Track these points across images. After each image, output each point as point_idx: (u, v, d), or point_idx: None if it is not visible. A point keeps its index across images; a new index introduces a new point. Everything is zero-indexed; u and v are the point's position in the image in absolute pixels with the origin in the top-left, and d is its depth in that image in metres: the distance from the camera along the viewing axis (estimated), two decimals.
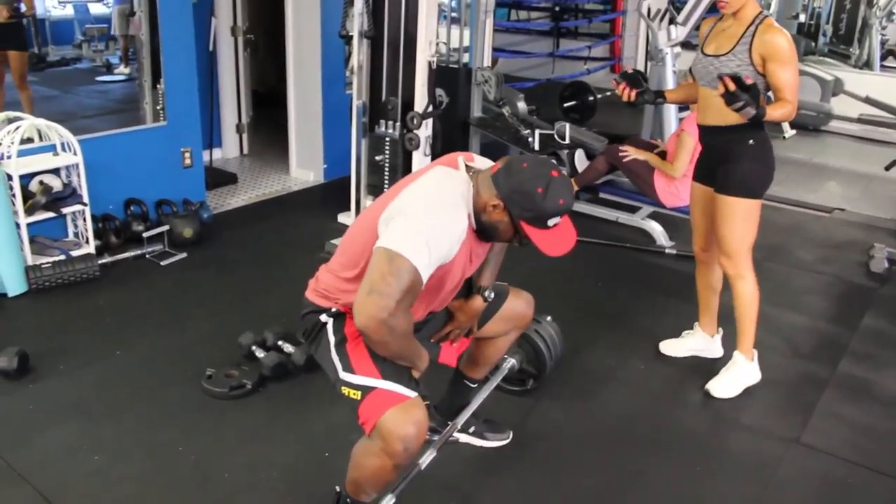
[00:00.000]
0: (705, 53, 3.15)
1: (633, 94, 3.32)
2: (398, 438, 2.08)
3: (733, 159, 3.12)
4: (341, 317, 2.30)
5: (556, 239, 2.19)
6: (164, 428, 3.00)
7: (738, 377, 3.37)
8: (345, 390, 2.20)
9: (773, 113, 2.91)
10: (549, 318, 3.23)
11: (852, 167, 7.30)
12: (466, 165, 2.27)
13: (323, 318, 2.31)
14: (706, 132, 3.23)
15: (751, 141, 3.10)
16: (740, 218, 3.16)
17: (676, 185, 4.85)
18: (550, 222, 2.15)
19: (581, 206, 5.41)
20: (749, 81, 2.84)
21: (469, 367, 2.86)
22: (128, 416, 3.07)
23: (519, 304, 2.74)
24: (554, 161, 5.41)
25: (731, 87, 2.78)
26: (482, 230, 2.24)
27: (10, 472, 2.71)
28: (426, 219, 2.08)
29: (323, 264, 2.41)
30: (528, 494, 2.74)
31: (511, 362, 3.10)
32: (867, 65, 9.13)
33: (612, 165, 5.20)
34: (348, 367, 2.21)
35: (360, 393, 2.16)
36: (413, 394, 2.16)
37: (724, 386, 3.35)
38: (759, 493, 2.79)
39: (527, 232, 2.16)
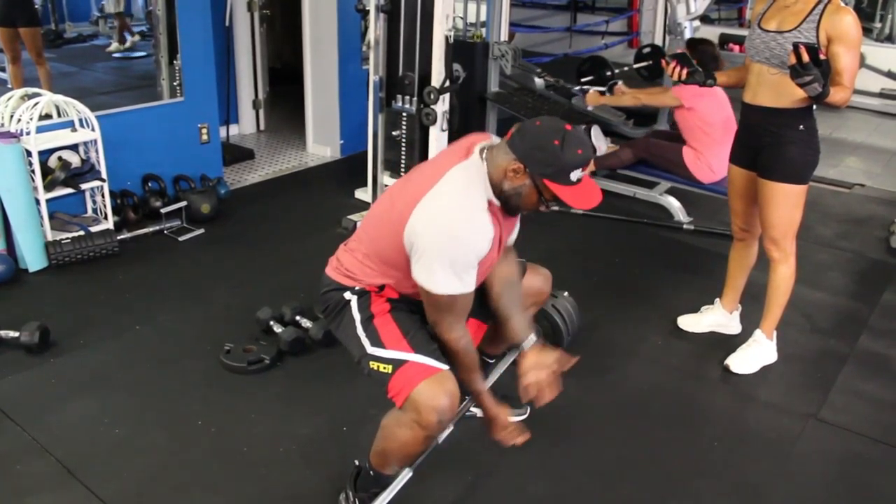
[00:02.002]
0: (765, 29, 3.00)
1: (685, 72, 3.27)
2: (433, 410, 2.09)
3: (781, 144, 3.04)
4: (366, 294, 2.30)
5: (583, 194, 2.13)
6: (184, 402, 3.03)
7: (757, 354, 3.36)
8: (373, 365, 2.20)
9: (833, 96, 2.78)
10: (565, 293, 3.22)
11: (873, 142, 7.22)
12: (481, 148, 2.22)
13: (346, 295, 2.31)
14: (754, 112, 3.11)
15: (801, 126, 3.02)
16: (788, 204, 3.10)
17: (707, 159, 4.79)
18: (573, 176, 2.09)
19: (598, 182, 5.36)
20: (823, 56, 2.74)
21: (486, 343, 2.86)
22: (148, 390, 3.10)
23: (536, 281, 2.73)
24: None
25: (806, 58, 2.65)
26: (506, 202, 2.20)
27: (33, 444, 2.75)
28: (450, 249, 2.07)
29: (343, 244, 2.41)
30: (544, 469, 2.75)
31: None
32: (889, 39, 9.00)
33: (640, 159, 5.15)
34: (377, 342, 2.21)
35: (390, 367, 2.16)
36: (444, 366, 2.17)
37: (744, 362, 3.34)
38: (777, 468, 2.79)
39: (552, 189, 2.10)
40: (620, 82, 5.50)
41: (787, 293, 3.28)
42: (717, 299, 3.63)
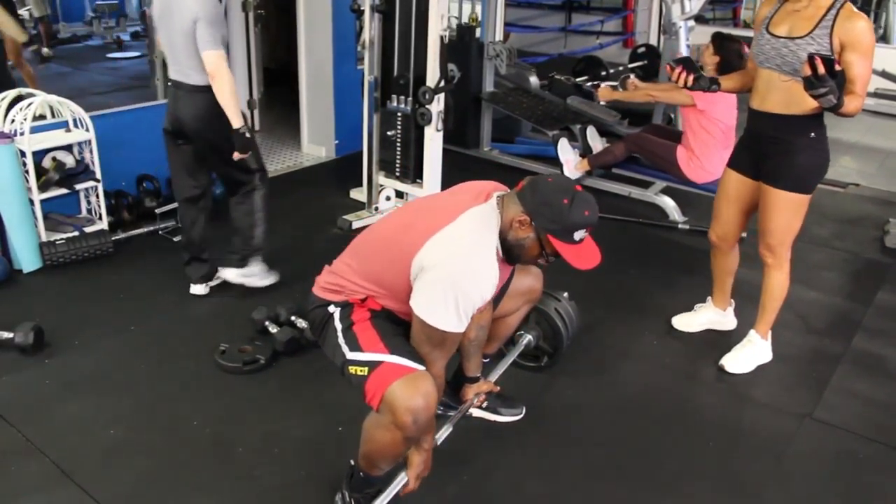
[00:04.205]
0: (774, 35, 2.91)
1: (690, 78, 3.14)
2: (407, 410, 2.09)
3: (790, 151, 2.97)
4: (348, 306, 2.32)
5: (583, 254, 2.21)
6: (179, 402, 3.03)
7: (752, 354, 3.36)
8: (352, 369, 2.22)
9: (846, 105, 2.69)
10: (565, 294, 3.21)
11: (867, 142, 7.24)
12: (498, 196, 2.26)
13: (330, 309, 2.34)
14: (762, 119, 3.02)
15: (812, 133, 2.94)
16: (790, 213, 3.05)
17: (699, 159, 4.77)
18: (576, 235, 2.16)
19: (593, 182, 5.38)
20: (839, 67, 2.66)
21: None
22: (143, 391, 3.09)
23: (527, 279, 2.76)
24: (566, 136, 5.41)
25: (822, 70, 2.56)
26: (508, 251, 2.25)
27: (28, 445, 2.74)
28: (462, 288, 2.10)
29: (327, 266, 2.44)
30: (541, 468, 2.75)
31: (528, 338, 3.10)
32: (884, 38, 9.01)
33: (631, 154, 5.14)
34: (356, 347, 2.23)
35: (366, 369, 2.18)
36: (420, 367, 2.17)
37: (739, 362, 3.34)
38: (772, 467, 2.79)
39: (554, 245, 2.16)
40: (633, 76, 5.35)
41: (781, 297, 3.28)
42: (709, 297, 3.64)
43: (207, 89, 3.46)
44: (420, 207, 2.34)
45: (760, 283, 3.32)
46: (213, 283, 3.89)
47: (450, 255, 2.13)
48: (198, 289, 3.85)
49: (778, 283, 3.23)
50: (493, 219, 2.22)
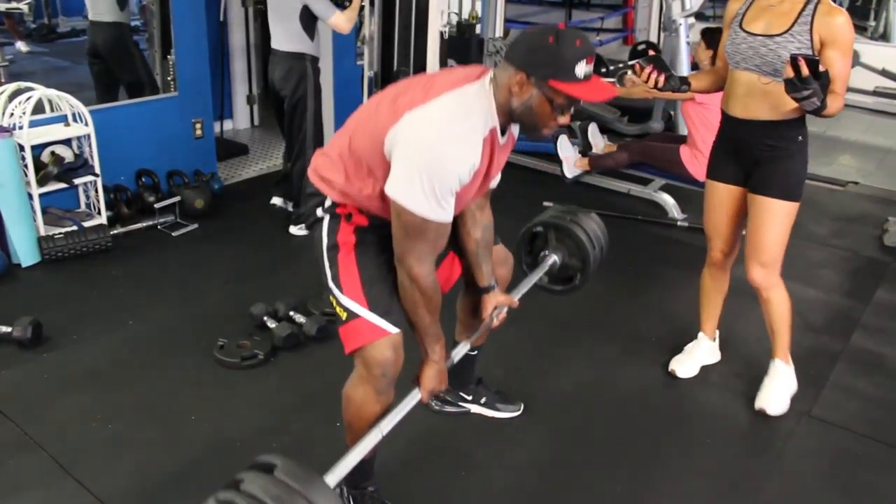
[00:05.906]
0: (750, 32, 2.73)
1: (661, 78, 2.94)
2: (376, 364, 2.14)
3: (780, 158, 2.80)
4: (336, 218, 2.23)
5: (595, 88, 2.03)
6: (177, 397, 3.03)
7: (784, 387, 3.11)
8: (332, 300, 2.22)
9: (829, 106, 2.55)
10: (593, 213, 3.01)
11: (867, 140, 7.24)
12: (492, 76, 2.10)
13: (319, 212, 2.26)
14: (747, 127, 2.83)
15: (800, 137, 2.79)
16: (785, 223, 2.89)
17: (703, 155, 4.75)
18: (578, 70, 1.97)
19: (592, 179, 5.38)
20: (822, 67, 2.47)
21: (462, 332, 2.73)
22: (141, 386, 3.09)
23: (496, 256, 2.59)
24: (566, 133, 5.40)
25: (805, 71, 2.42)
26: (521, 122, 2.11)
27: (26, 440, 2.74)
28: (433, 167, 1.96)
29: (320, 149, 2.33)
30: (539, 465, 2.76)
31: (553, 259, 2.88)
32: (884, 37, 9.00)
33: (634, 164, 5.13)
34: (336, 281, 2.19)
35: (344, 314, 2.18)
36: (396, 330, 2.16)
37: (776, 401, 3.07)
38: (770, 465, 2.80)
39: (560, 89, 1.98)
40: (630, 72, 5.28)
41: (789, 315, 3.06)
42: (701, 333, 3.37)
43: (292, 56, 4.25)
44: (410, 83, 2.17)
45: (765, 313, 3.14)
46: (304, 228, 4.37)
47: (424, 132, 1.99)
48: (296, 230, 4.54)
49: (782, 301, 3.02)
50: (483, 97, 2.07)
